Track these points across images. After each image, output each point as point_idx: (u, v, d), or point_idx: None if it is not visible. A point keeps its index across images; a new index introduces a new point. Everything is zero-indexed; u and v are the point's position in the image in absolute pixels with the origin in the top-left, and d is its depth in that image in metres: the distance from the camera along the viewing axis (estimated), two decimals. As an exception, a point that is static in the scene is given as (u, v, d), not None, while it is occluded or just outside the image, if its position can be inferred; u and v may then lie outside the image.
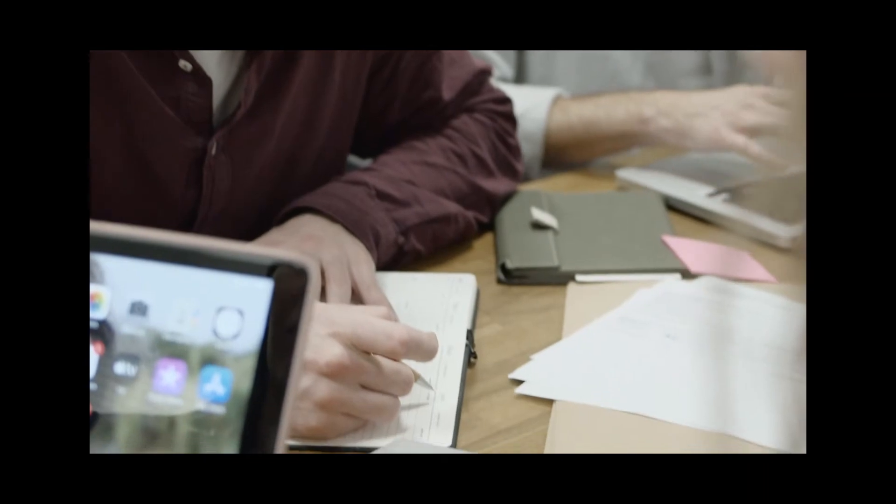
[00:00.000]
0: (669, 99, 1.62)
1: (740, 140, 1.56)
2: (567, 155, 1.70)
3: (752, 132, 1.57)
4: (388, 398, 1.08)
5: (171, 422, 0.76)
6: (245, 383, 0.75)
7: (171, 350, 0.76)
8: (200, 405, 0.75)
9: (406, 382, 1.08)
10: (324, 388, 1.05)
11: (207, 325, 0.76)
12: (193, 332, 0.76)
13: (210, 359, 0.76)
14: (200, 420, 0.76)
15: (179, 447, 0.75)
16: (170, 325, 0.76)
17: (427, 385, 1.12)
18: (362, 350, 1.06)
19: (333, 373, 1.05)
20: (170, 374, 0.76)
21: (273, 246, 1.24)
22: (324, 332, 1.05)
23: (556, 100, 1.69)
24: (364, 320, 1.07)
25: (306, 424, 1.05)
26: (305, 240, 1.26)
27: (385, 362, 1.07)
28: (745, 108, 1.57)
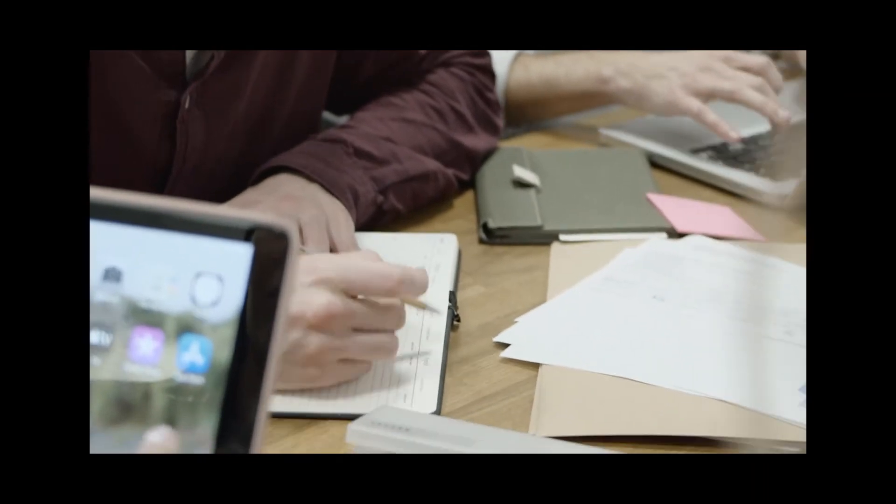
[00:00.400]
0: (629, 59, 1.58)
1: (694, 104, 1.53)
2: (526, 113, 1.67)
3: (708, 96, 1.53)
4: (384, 336, 1.06)
5: (148, 393, 0.73)
6: (225, 352, 0.73)
7: (147, 318, 0.73)
8: (178, 375, 0.73)
9: (400, 316, 1.06)
10: (314, 341, 1.02)
11: (185, 292, 0.73)
12: (170, 300, 0.73)
13: (188, 327, 0.73)
14: (178, 391, 0.73)
15: (156, 420, 0.73)
16: (145, 292, 0.73)
17: (434, 309, 1.14)
18: (354, 293, 1.04)
19: (322, 323, 1.02)
20: (146, 344, 0.73)
21: (250, 206, 1.21)
22: (308, 281, 1.02)
23: (518, 56, 1.66)
24: (353, 264, 1.05)
25: (304, 376, 1.04)
26: (283, 200, 1.23)
27: (374, 300, 1.05)
28: (702, 71, 1.53)
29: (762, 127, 1.57)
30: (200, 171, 1.26)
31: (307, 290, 1.02)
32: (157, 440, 0.72)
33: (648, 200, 1.40)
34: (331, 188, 1.26)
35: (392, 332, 1.07)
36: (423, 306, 1.12)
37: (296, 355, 1.02)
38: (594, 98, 1.62)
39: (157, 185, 1.25)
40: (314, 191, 1.25)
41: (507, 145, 1.55)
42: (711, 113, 1.52)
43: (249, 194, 1.25)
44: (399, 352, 1.09)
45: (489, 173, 1.45)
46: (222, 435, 0.72)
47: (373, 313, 1.05)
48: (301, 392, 1.05)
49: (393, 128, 1.38)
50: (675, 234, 1.34)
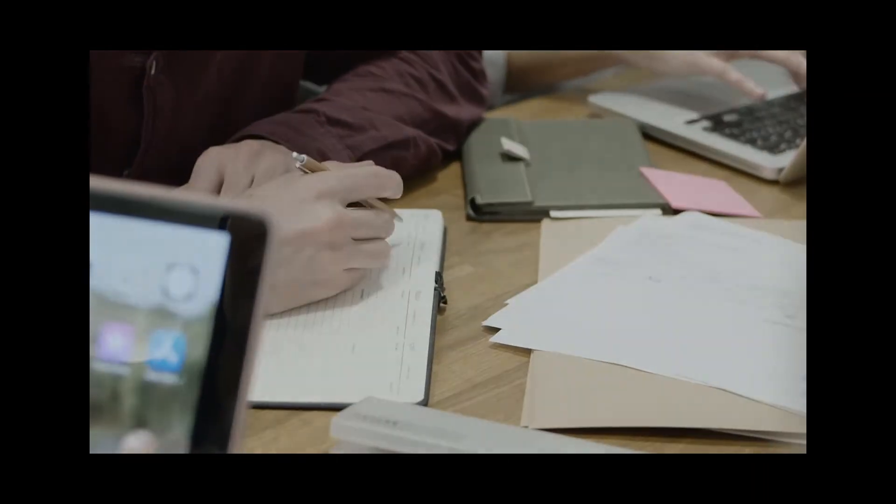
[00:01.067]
0: None
1: (717, 64, 1.48)
2: (530, 79, 1.62)
3: (730, 55, 1.49)
4: (380, 243, 1.11)
5: (117, 393, 0.69)
6: (200, 349, 0.69)
7: (117, 313, 0.69)
8: (150, 374, 0.69)
9: (390, 222, 1.12)
10: (326, 256, 1.06)
11: (157, 285, 0.69)
12: (141, 293, 0.69)
13: (160, 322, 0.69)
14: (150, 390, 0.69)
15: (127, 421, 0.69)
16: (114, 285, 0.69)
17: (399, 217, 1.16)
18: (352, 201, 1.09)
19: (333, 236, 1.06)
20: (115, 340, 0.69)
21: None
22: (310, 197, 1.06)
23: None
24: (345, 171, 1.10)
25: (313, 294, 1.08)
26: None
27: (368, 209, 1.10)
28: None
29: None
30: (171, 143, 1.23)
31: (312, 206, 1.06)
32: (137, 446, 0.68)
33: (642, 175, 1.35)
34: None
35: (384, 238, 1.11)
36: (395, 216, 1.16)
37: (309, 272, 1.06)
38: (601, 60, 1.57)
39: (127, 155, 1.21)
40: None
41: (494, 115, 1.50)
42: (735, 71, 1.47)
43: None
44: (383, 336, 1.06)
45: (476, 146, 1.40)
46: (198, 436, 0.69)
47: (371, 221, 1.10)
48: (282, 379, 1.01)
49: (370, 98, 1.34)
50: (669, 210, 1.30)
